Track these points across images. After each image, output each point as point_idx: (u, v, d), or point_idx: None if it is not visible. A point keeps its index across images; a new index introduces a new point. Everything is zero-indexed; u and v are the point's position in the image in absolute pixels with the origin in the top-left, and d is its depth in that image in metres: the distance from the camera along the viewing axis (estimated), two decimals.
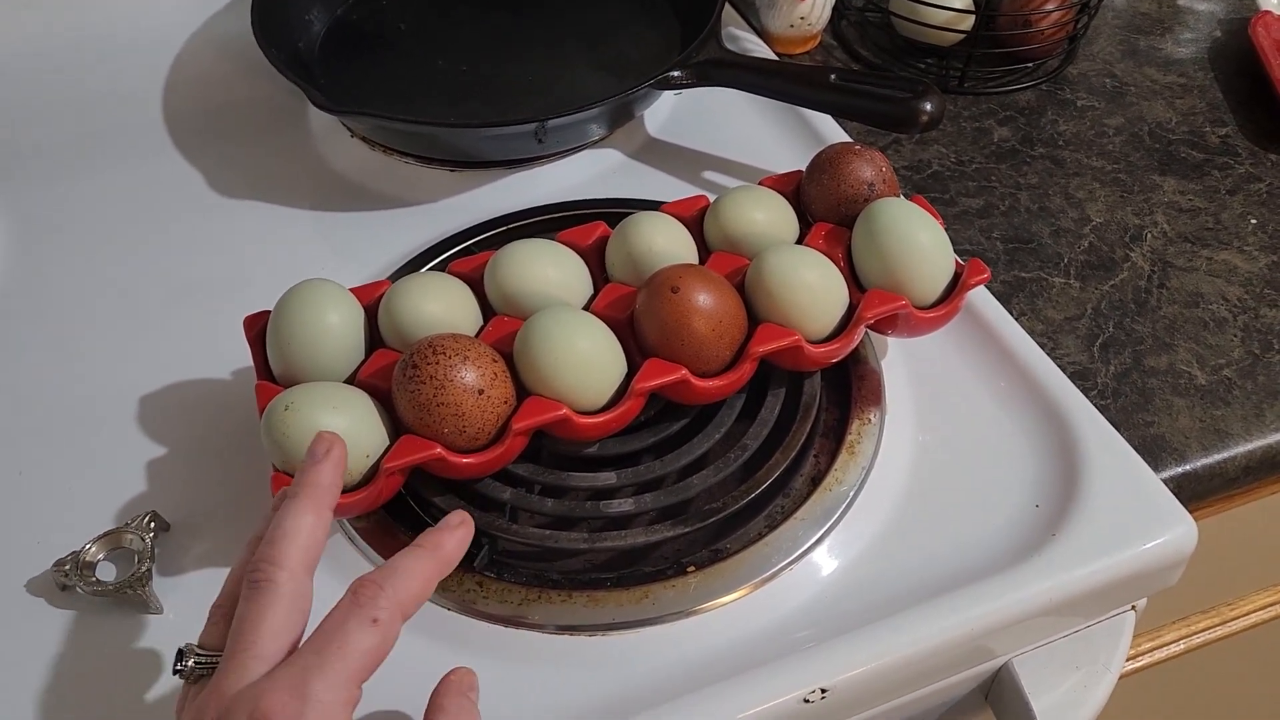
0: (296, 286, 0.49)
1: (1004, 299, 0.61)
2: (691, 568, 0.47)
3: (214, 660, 0.37)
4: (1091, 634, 0.51)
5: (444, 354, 0.45)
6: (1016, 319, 0.58)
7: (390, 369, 0.47)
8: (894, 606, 0.46)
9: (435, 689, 0.39)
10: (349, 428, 0.44)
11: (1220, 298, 0.63)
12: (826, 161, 0.56)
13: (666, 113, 0.72)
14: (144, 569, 0.47)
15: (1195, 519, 0.49)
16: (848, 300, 0.51)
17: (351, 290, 0.51)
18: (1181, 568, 0.50)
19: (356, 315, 0.50)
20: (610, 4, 0.78)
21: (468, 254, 0.60)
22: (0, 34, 0.78)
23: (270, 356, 0.49)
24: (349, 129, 0.71)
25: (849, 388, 0.54)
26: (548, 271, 0.51)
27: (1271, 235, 0.67)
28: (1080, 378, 0.58)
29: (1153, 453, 0.55)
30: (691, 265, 0.50)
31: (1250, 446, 0.56)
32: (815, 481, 0.51)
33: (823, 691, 0.43)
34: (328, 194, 0.67)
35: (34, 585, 0.48)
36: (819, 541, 0.48)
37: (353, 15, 0.78)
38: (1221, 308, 0.62)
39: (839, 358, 0.51)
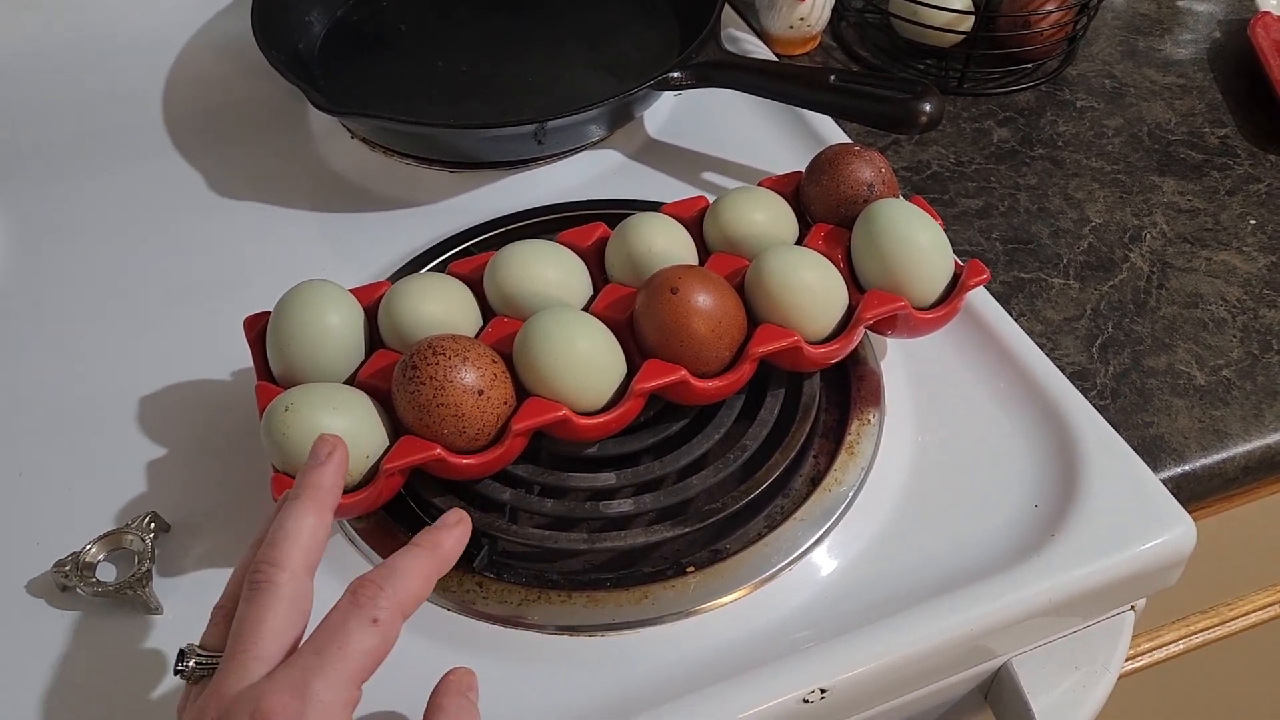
0: (296, 287, 0.50)
1: (1003, 300, 0.61)
2: (691, 568, 0.47)
3: (215, 661, 0.37)
4: (1090, 634, 0.51)
5: (444, 355, 0.45)
6: (1016, 320, 0.58)
7: (390, 370, 0.47)
8: (893, 607, 0.46)
9: (434, 689, 0.39)
10: (349, 428, 0.45)
11: (1219, 298, 0.63)
12: (826, 162, 0.56)
13: (666, 114, 0.72)
14: (144, 569, 0.47)
15: (1194, 519, 0.49)
16: (847, 301, 0.51)
17: (351, 291, 0.51)
18: (1180, 568, 0.50)
19: (356, 316, 0.50)
20: (610, 5, 0.78)
21: (467, 255, 0.60)
22: (0, 34, 0.78)
23: (270, 357, 0.49)
24: (349, 130, 0.71)
25: (848, 388, 0.54)
26: (547, 272, 0.51)
27: (1270, 236, 0.67)
28: (1079, 378, 0.58)
29: (1152, 453, 0.55)
30: (691, 266, 0.50)
31: (1249, 447, 0.56)
32: (815, 482, 0.51)
33: (822, 692, 0.43)
34: (328, 195, 0.67)
35: (34, 586, 0.48)
36: (818, 542, 0.49)
37: (353, 16, 0.78)
38: (1220, 308, 0.62)
39: (838, 358, 0.51)
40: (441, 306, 0.50)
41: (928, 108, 0.62)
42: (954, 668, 0.48)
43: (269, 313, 0.50)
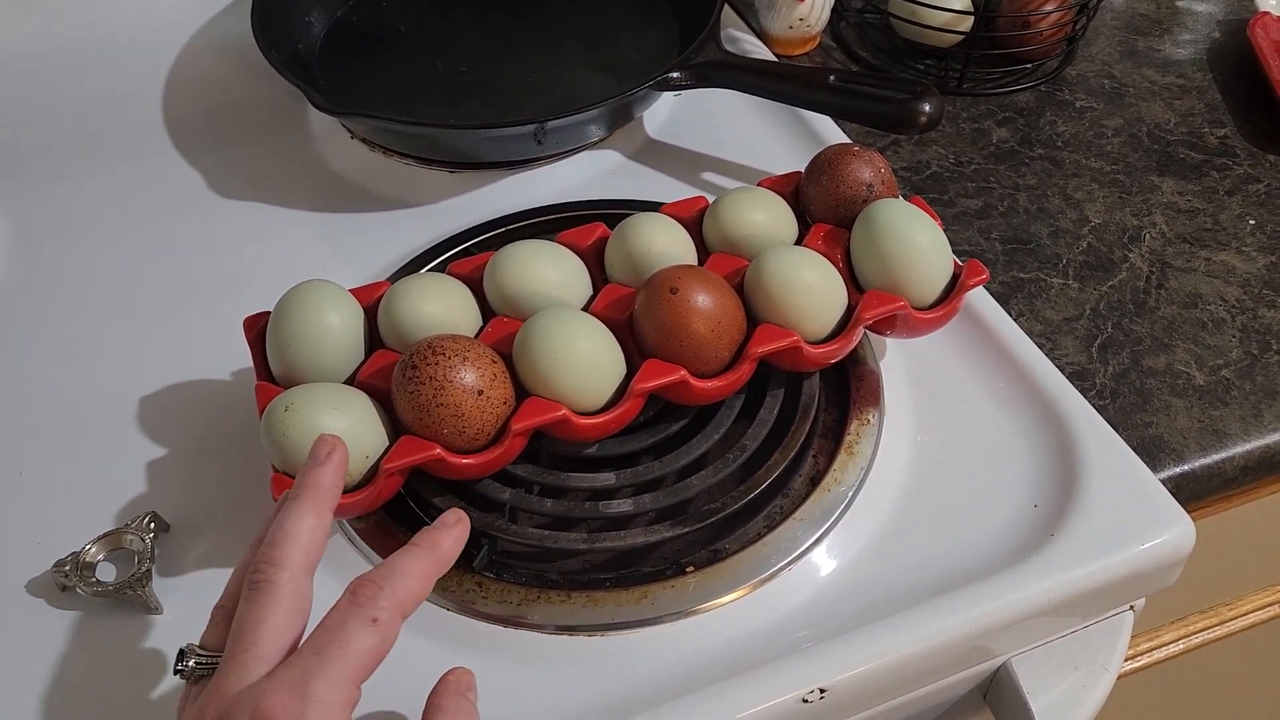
0: (296, 287, 0.50)
1: (1002, 300, 0.61)
2: (690, 568, 0.47)
3: (215, 660, 0.37)
4: (1090, 634, 0.51)
5: (443, 355, 0.45)
6: (1015, 320, 0.58)
7: (390, 370, 0.47)
8: (893, 607, 0.46)
9: (433, 689, 0.39)
10: (349, 428, 0.45)
11: (1218, 298, 0.63)
12: (825, 162, 0.56)
13: (666, 114, 0.72)
14: (144, 569, 0.47)
15: (1193, 519, 0.49)
16: (846, 301, 0.51)
17: (351, 291, 0.51)
18: (1179, 568, 0.50)
19: (356, 316, 0.50)
20: (610, 5, 0.78)
21: (467, 255, 0.60)
22: (0, 34, 0.78)
23: (270, 357, 0.49)
24: (349, 130, 0.71)
25: (848, 388, 0.54)
26: (547, 272, 0.51)
27: (1270, 236, 0.67)
28: (1079, 378, 0.58)
29: (1151, 453, 0.55)
30: (690, 266, 0.50)
31: (1248, 447, 0.56)
32: (814, 482, 0.51)
33: (821, 691, 0.43)
34: (327, 195, 0.67)
35: (34, 586, 0.48)
36: (818, 542, 0.49)
37: (353, 17, 0.78)
38: (1220, 308, 0.62)
39: (838, 358, 0.51)
40: (441, 306, 0.50)
41: (927, 108, 0.62)
42: (953, 668, 0.48)
43: (269, 313, 0.50)
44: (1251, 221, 0.68)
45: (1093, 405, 0.53)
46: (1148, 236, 0.67)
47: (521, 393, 0.47)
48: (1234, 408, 0.57)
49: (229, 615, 0.38)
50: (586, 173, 0.68)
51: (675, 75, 0.66)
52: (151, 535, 0.48)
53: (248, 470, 0.51)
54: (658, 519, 0.49)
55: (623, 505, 0.48)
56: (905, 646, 0.45)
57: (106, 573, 0.48)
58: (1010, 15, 0.76)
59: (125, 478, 0.52)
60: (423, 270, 0.60)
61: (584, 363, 0.47)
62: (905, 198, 0.55)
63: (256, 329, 0.51)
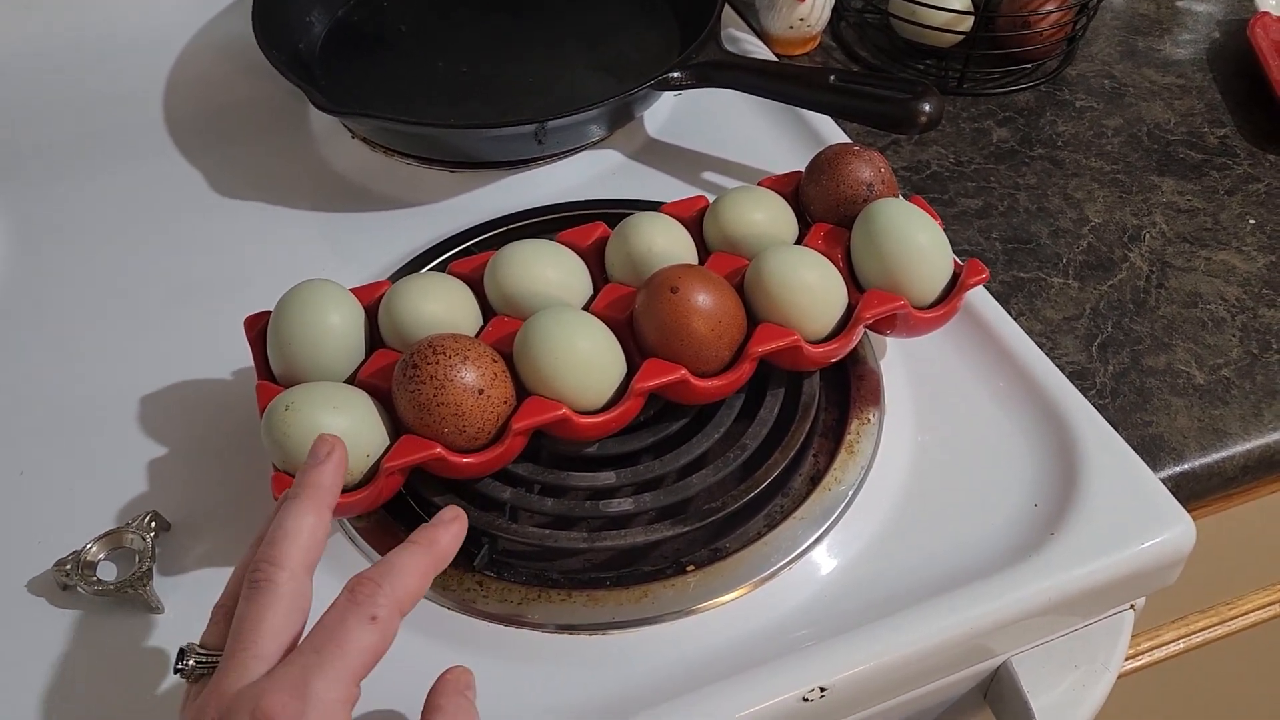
0: (297, 287, 0.50)
1: (1002, 299, 0.61)
2: (691, 567, 0.47)
3: (215, 659, 0.37)
4: (1090, 633, 0.51)
5: (444, 354, 0.45)
6: (1015, 319, 0.58)
7: (390, 369, 0.47)
8: (893, 606, 0.46)
9: (432, 688, 0.39)
10: (349, 428, 0.45)
11: (1218, 298, 0.63)
12: (825, 162, 0.56)
13: (666, 114, 0.73)
14: (145, 568, 0.47)
15: (1193, 518, 0.49)
16: (846, 300, 0.51)
17: (352, 290, 0.51)
18: (1180, 567, 0.50)
19: (357, 315, 0.50)
20: (610, 5, 0.78)
21: (468, 254, 0.60)
22: (0, 34, 0.78)
23: (271, 356, 0.49)
24: (349, 130, 0.71)
25: (848, 387, 0.54)
26: (547, 272, 0.51)
27: (1270, 235, 0.67)
28: (1079, 377, 0.58)
29: (1151, 452, 0.55)
30: (691, 266, 0.50)
31: (1248, 446, 0.56)
32: (814, 481, 0.51)
33: (822, 690, 0.43)
34: (328, 195, 0.67)
35: (35, 585, 0.48)
36: (818, 541, 0.49)
37: (353, 16, 0.78)
38: (1220, 308, 0.62)
39: (838, 358, 0.51)
40: (442, 306, 0.50)
41: (927, 108, 0.62)
42: (953, 667, 0.48)
43: (269, 312, 0.50)
44: (1251, 221, 0.68)
45: (1093, 404, 0.53)
46: (1148, 236, 0.67)
47: (522, 392, 0.47)
48: (1234, 407, 0.57)
49: (229, 614, 0.38)
50: (587, 172, 0.68)
51: (676, 75, 0.66)
52: (152, 534, 0.48)
53: (248, 469, 0.51)
54: (658, 518, 0.49)
55: (623, 504, 0.48)
56: (906, 645, 0.45)
57: (107, 572, 0.48)
58: (1010, 15, 0.76)
59: (126, 477, 0.52)
60: (423, 270, 0.60)
61: (584, 362, 0.47)
62: (905, 197, 0.55)
63: (257, 328, 0.51)
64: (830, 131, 0.69)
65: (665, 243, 0.52)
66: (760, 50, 0.77)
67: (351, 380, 0.49)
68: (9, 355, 0.58)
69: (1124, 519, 0.49)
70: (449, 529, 0.40)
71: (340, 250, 0.63)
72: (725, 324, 0.48)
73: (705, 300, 0.47)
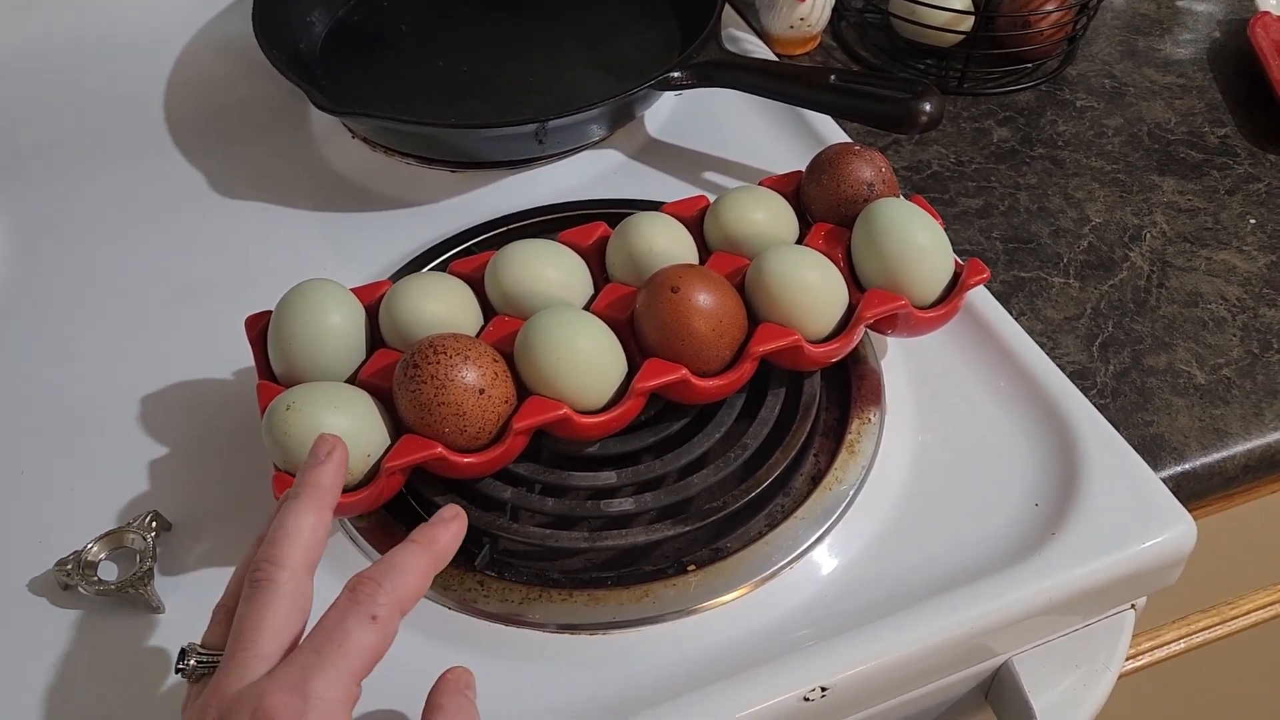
0: (298, 286, 0.50)
1: (1003, 299, 0.61)
2: (692, 566, 0.47)
3: (216, 659, 0.37)
4: (1091, 633, 0.51)
5: (445, 354, 0.45)
6: (1016, 319, 0.58)
7: (391, 369, 0.47)
8: (894, 605, 0.46)
9: (433, 688, 0.39)
10: (350, 427, 0.45)
11: (1219, 297, 0.63)
12: (826, 162, 0.56)
13: (667, 113, 0.73)
14: (145, 568, 0.47)
15: (1194, 518, 0.49)
16: (847, 300, 0.51)
17: (353, 290, 0.51)
18: (1181, 567, 0.50)
19: (358, 315, 0.50)
20: (610, 5, 0.78)
21: (468, 254, 0.60)
22: (0, 34, 0.78)
23: (271, 356, 0.49)
24: (350, 130, 0.71)
25: (849, 387, 0.54)
26: (548, 272, 0.51)
27: (1270, 235, 0.67)
28: (1079, 377, 0.58)
29: (1152, 452, 0.55)
30: (692, 265, 0.50)
31: (1249, 445, 0.56)
32: (815, 481, 0.51)
33: (823, 690, 0.43)
34: (329, 194, 0.67)
35: (36, 585, 0.48)
36: (819, 540, 0.49)
37: (354, 16, 0.78)
38: (1220, 307, 0.62)
39: (839, 357, 0.51)
40: (443, 306, 0.50)
41: (928, 107, 0.62)
42: (954, 666, 0.48)
43: (270, 312, 0.50)
44: (1252, 220, 0.68)
45: (1094, 404, 0.53)
46: (1148, 236, 0.67)
47: (523, 392, 0.47)
48: (1235, 406, 0.57)
49: (230, 614, 0.38)
50: (587, 172, 0.68)
51: (676, 75, 0.66)
52: (153, 534, 0.48)
53: (249, 469, 0.51)
54: (659, 518, 0.49)
55: (624, 504, 0.48)
56: (906, 645, 0.45)
57: (108, 572, 0.48)
58: (1011, 15, 0.76)
59: (127, 477, 0.52)
60: (424, 269, 0.60)
61: (585, 362, 0.47)
62: (906, 197, 0.55)
63: (258, 328, 0.51)
64: (831, 131, 0.69)
65: (666, 242, 0.52)
66: (760, 50, 0.77)
67: (352, 380, 0.49)
68: (10, 355, 0.58)
69: (1125, 519, 0.49)
70: (448, 528, 0.40)
71: (341, 250, 0.63)
72: (726, 324, 0.48)
73: (706, 300, 0.47)
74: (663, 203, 0.57)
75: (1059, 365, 0.55)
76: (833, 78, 0.64)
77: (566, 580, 0.47)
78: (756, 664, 0.44)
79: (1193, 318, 0.62)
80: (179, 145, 0.71)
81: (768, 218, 0.54)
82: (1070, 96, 0.77)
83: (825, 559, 0.48)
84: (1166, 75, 0.79)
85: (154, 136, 0.72)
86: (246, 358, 0.51)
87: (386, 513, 0.49)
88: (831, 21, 0.81)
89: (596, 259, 0.54)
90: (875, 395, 0.54)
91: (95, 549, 0.48)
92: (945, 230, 0.53)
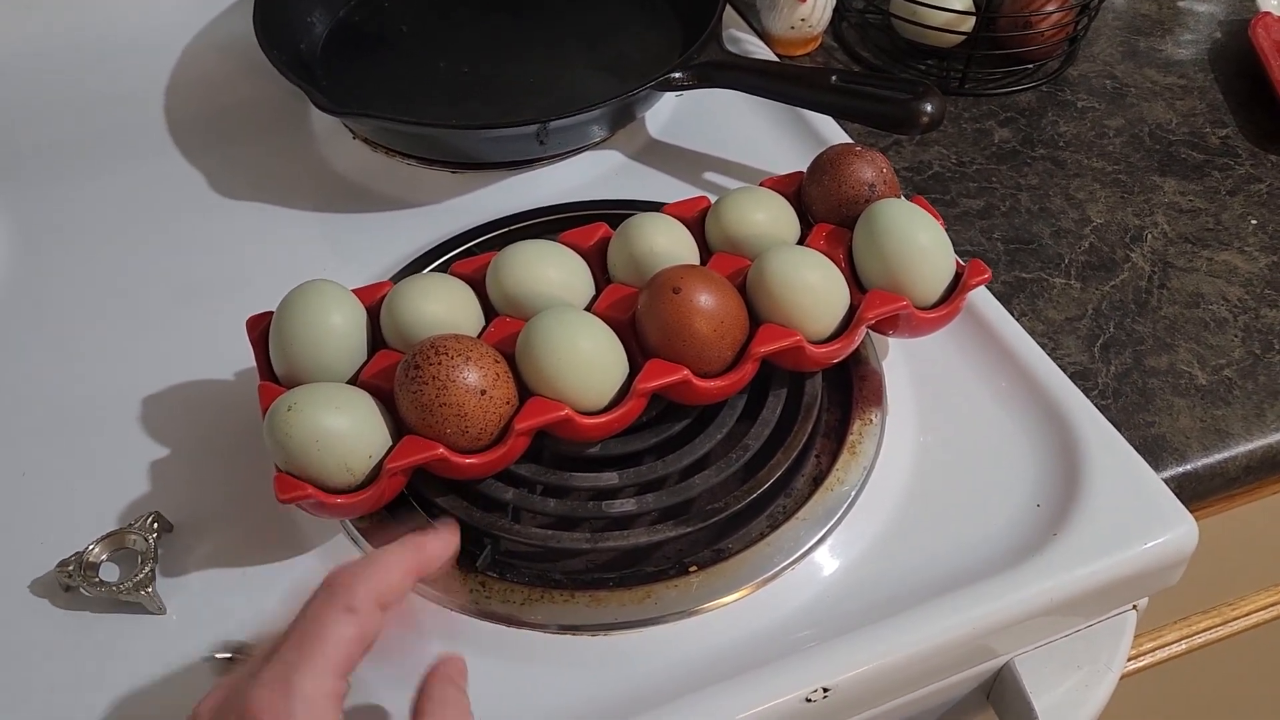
0: (299, 287, 0.50)
1: (1005, 299, 0.61)
2: (694, 567, 0.47)
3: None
4: (1093, 633, 0.51)
5: (446, 354, 0.45)
6: (1017, 319, 0.58)
7: (392, 370, 0.47)
8: (895, 606, 0.46)
9: (424, 677, 0.39)
10: (351, 428, 0.45)
11: (1221, 298, 0.63)
12: (827, 163, 0.56)
13: (668, 114, 0.72)
14: (147, 570, 0.47)
15: (1196, 519, 0.49)
16: (849, 301, 0.51)
17: (354, 291, 0.51)
18: (1182, 567, 0.50)
19: (359, 316, 0.50)
20: (611, 5, 0.78)
21: (469, 255, 0.60)
22: (0, 34, 0.78)
23: (273, 357, 0.49)
24: (351, 130, 0.71)
25: (850, 388, 0.54)
26: (549, 272, 0.51)
27: (1272, 236, 0.67)
28: (1081, 378, 0.58)
29: (1153, 453, 0.55)
30: (693, 266, 0.50)
31: (1251, 446, 0.56)
32: (817, 482, 0.51)
33: (825, 691, 0.43)
34: (329, 195, 0.67)
35: (37, 586, 0.48)
36: (821, 541, 0.49)
37: (354, 17, 0.78)
38: (1222, 308, 0.62)
39: (840, 358, 0.51)
40: (444, 306, 0.50)
41: (929, 108, 0.62)
42: (956, 667, 0.48)
43: (271, 313, 0.50)
44: (1253, 221, 0.68)
45: (1095, 405, 0.53)
46: (1150, 236, 0.67)
47: (524, 392, 0.47)
48: (1236, 407, 0.57)
49: None
50: (588, 173, 0.68)
51: (677, 75, 0.66)
52: (155, 535, 0.48)
53: (251, 470, 0.51)
54: (661, 519, 0.49)
55: (626, 505, 0.48)
56: (908, 646, 0.45)
57: (110, 573, 0.48)
58: (1011, 15, 0.76)
59: (128, 478, 0.52)
60: (425, 270, 0.60)
61: (587, 362, 0.47)
62: (907, 198, 0.55)
63: (259, 329, 0.51)
64: (832, 132, 0.69)
65: (667, 243, 0.52)
66: (761, 51, 0.77)
67: (354, 381, 0.49)
68: (10, 355, 0.58)
69: (1126, 519, 0.49)
70: (439, 534, 0.40)
71: (341, 251, 0.63)
72: (727, 324, 0.48)
73: (707, 301, 0.47)
74: (664, 203, 0.57)
75: (1060, 366, 0.55)
76: (834, 78, 0.64)
77: (568, 581, 0.47)
78: (758, 665, 0.44)
79: (1194, 318, 0.62)
80: (180, 145, 0.71)
81: (769, 218, 0.54)
82: (1071, 97, 0.77)
83: (827, 560, 0.48)
84: (1168, 76, 0.79)
85: (155, 137, 0.72)
86: (248, 358, 0.51)
87: (388, 514, 0.49)
88: (832, 22, 0.81)
89: (598, 260, 0.54)
90: (877, 396, 0.54)
91: (97, 550, 0.48)
92: (946, 231, 0.53)
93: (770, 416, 0.51)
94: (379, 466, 0.45)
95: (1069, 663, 0.50)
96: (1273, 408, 0.57)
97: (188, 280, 0.62)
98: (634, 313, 0.49)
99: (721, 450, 0.50)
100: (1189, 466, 0.55)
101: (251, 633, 0.46)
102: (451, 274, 0.53)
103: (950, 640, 0.45)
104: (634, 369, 0.48)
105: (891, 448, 0.52)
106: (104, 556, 0.48)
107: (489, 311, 0.52)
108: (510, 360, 0.47)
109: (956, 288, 0.52)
